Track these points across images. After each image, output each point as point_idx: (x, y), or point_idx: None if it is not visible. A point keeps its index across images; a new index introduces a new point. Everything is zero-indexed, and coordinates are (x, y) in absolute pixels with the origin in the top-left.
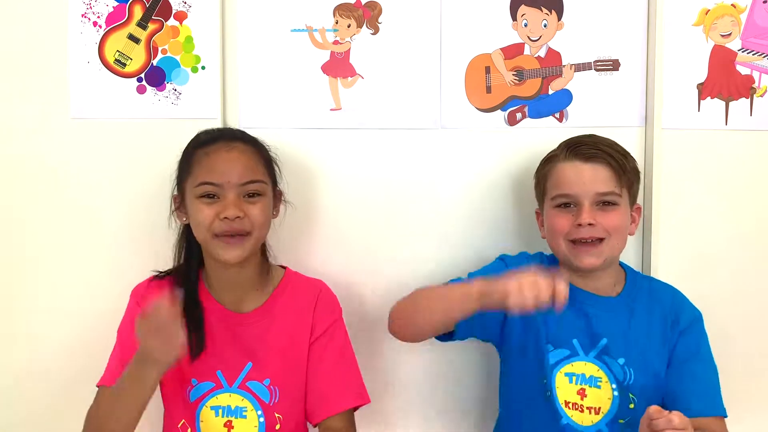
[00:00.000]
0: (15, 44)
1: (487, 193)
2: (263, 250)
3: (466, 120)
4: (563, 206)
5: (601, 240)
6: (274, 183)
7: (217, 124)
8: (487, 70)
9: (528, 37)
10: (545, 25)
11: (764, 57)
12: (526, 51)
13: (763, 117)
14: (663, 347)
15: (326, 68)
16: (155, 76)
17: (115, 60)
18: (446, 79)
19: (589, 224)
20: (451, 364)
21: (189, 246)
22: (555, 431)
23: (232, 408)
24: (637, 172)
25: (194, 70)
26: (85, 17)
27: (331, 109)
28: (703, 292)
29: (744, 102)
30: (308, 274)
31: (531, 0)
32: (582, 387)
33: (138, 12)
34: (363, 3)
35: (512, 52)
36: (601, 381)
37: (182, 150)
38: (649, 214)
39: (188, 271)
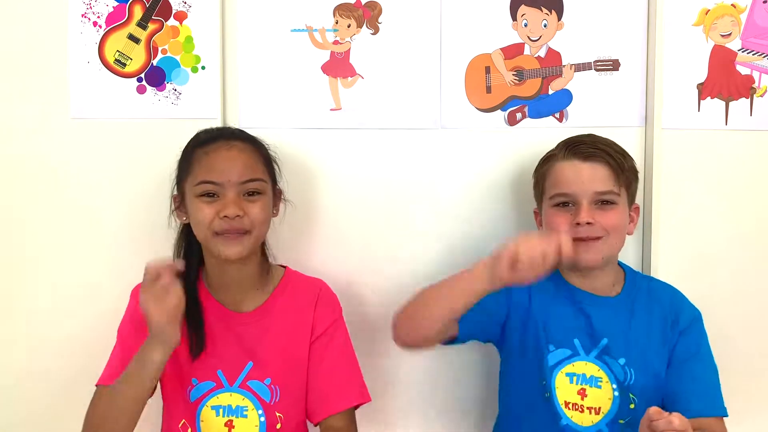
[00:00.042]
0: (15, 44)
1: (487, 193)
2: (263, 249)
3: (466, 120)
4: (562, 205)
5: (599, 238)
6: (274, 181)
7: (217, 124)
8: (487, 70)
9: (528, 37)
10: (545, 25)
11: (764, 57)
12: (526, 51)
13: (763, 117)
14: (663, 347)
15: (326, 68)
16: (155, 76)
17: (115, 60)
18: (446, 79)
19: (588, 223)
20: (451, 364)
21: (188, 245)
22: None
23: (233, 407)
24: (635, 172)
25: (194, 70)
26: (85, 17)
27: (331, 109)
28: (703, 292)
29: (744, 102)
30: (308, 273)
31: (531, 0)
32: (582, 387)
33: (138, 12)
34: (363, 3)
35: (512, 52)
36: (601, 381)
37: (182, 150)
38: (649, 214)
39: (188, 270)
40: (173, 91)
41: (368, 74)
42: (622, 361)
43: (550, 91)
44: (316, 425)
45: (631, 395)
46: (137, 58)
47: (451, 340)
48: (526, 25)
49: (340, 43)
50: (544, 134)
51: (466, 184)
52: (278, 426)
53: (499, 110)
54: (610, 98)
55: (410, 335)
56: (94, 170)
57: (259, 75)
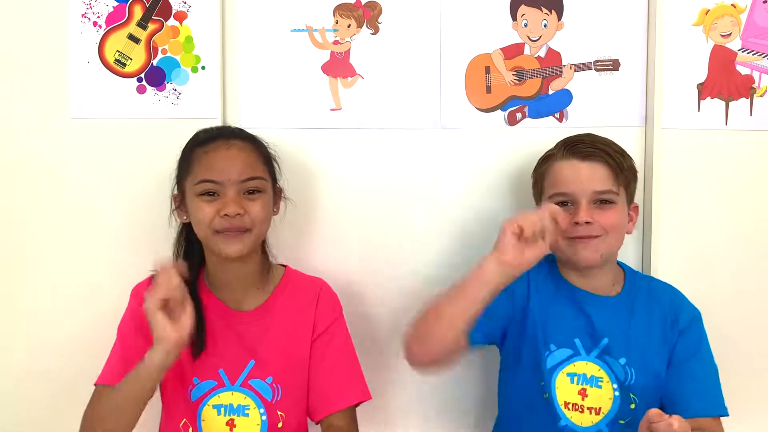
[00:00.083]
0: (15, 44)
1: (487, 193)
2: (263, 247)
3: (466, 120)
4: (561, 204)
5: (597, 237)
6: (274, 180)
7: (217, 124)
8: (487, 70)
9: (528, 37)
10: (545, 25)
11: (764, 57)
12: (526, 51)
13: (763, 117)
14: (663, 347)
15: (326, 68)
16: (155, 76)
17: (115, 60)
18: (446, 79)
19: (587, 222)
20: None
21: (189, 245)
22: None
23: (235, 406)
24: (634, 171)
25: (194, 70)
26: (85, 17)
27: (331, 109)
28: (702, 292)
29: (744, 102)
30: (308, 273)
31: (531, 0)
32: (583, 387)
33: (138, 12)
34: (363, 3)
35: (512, 52)
36: (602, 381)
37: (181, 149)
38: (649, 214)
39: (188, 269)
40: (173, 91)
41: (368, 74)
42: (622, 360)
43: (550, 91)
44: (317, 423)
45: (631, 395)
46: (137, 58)
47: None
48: (526, 25)
49: (340, 43)
50: (544, 134)
51: (466, 184)
52: (280, 425)
53: (499, 110)
54: (610, 98)
55: (423, 352)
56: (94, 170)
57: (259, 75)
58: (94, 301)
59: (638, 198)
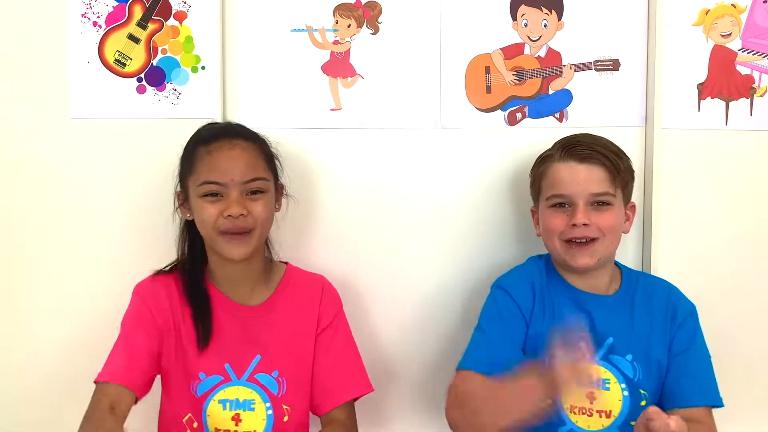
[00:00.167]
0: (15, 44)
1: (487, 193)
2: (266, 245)
3: (466, 120)
4: (558, 206)
5: (594, 240)
6: (276, 177)
7: None
8: (487, 70)
9: (528, 37)
10: (545, 25)
11: (764, 57)
12: (526, 51)
13: (763, 117)
14: (663, 341)
15: (326, 68)
16: (155, 76)
17: (115, 60)
18: (446, 79)
19: (584, 224)
20: (451, 360)
21: (191, 242)
22: None
23: (241, 401)
24: (631, 172)
25: (194, 70)
26: (85, 17)
27: (331, 109)
28: (702, 291)
29: (744, 102)
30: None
31: (531, 0)
32: (591, 390)
33: (138, 12)
34: (363, 3)
35: (512, 52)
36: (609, 382)
37: (183, 145)
38: (649, 214)
39: (192, 263)
40: (173, 91)
41: (368, 74)
42: (629, 357)
43: (550, 91)
44: (320, 417)
45: (641, 391)
46: (137, 58)
47: None
48: (526, 25)
49: (340, 43)
50: (544, 134)
51: (466, 184)
52: (285, 418)
53: (499, 110)
54: (610, 98)
55: None
56: (94, 170)
57: (259, 75)
58: (94, 301)
59: (638, 198)
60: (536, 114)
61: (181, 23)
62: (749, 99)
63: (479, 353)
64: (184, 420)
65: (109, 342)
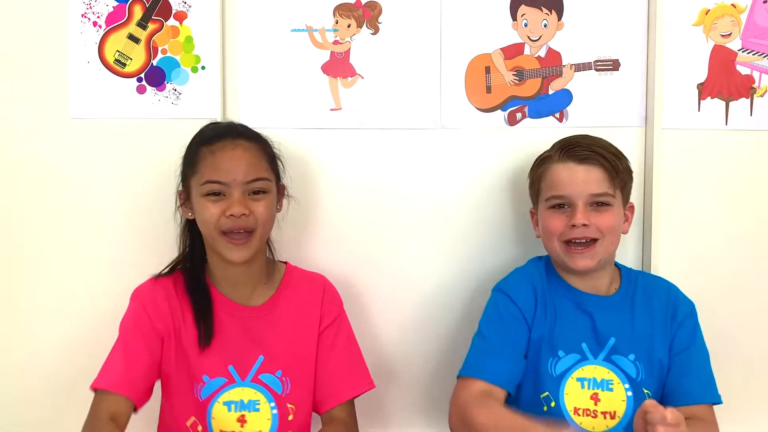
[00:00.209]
0: (15, 44)
1: (487, 193)
2: (267, 245)
3: (466, 120)
4: (557, 207)
5: (594, 240)
6: (278, 178)
7: None
8: (487, 70)
9: (528, 37)
10: (545, 25)
11: (764, 57)
12: (526, 51)
13: (763, 117)
14: (664, 339)
15: (326, 68)
16: (155, 76)
17: (115, 60)
18: (446, 79)
19: (583, 225)
20: (451, 360)
21: (192, 241)
22: None
23: (245, 402)
24: (630, 172)
25: (194, 70)
26: (85, 17)
27: (331, 109)
28: (702, 291)
29: (744, 102)
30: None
31: (531, 0)
32: (595, 391)
33: (138, 12)
34: (363, 3)
35: (512, 52)
36: (612, 383)
37: (186, 145)
38: (649, 214)
39: (193, 262)
40: (173, 91)
41: (368, 74)
42: (632, 356)
43: (550, 91)
44: (321, 415)
45: (645, 391)
46: (137, 58)
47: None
48: (526, 25)
49: (340, 43)
50: (544, 134)
51: (466, 184)
52: (290, 417)
53: (499, 110)
54: (610, 98)
55: None
56: (94, 170)
57: (259, 75)
58: (94, 301)
59: (638, 198)
60: (536, 114)
61: (181, 23)
62: (749, 99)
63: (480, 360)
64: (187, 424)
65: (108, 342)
